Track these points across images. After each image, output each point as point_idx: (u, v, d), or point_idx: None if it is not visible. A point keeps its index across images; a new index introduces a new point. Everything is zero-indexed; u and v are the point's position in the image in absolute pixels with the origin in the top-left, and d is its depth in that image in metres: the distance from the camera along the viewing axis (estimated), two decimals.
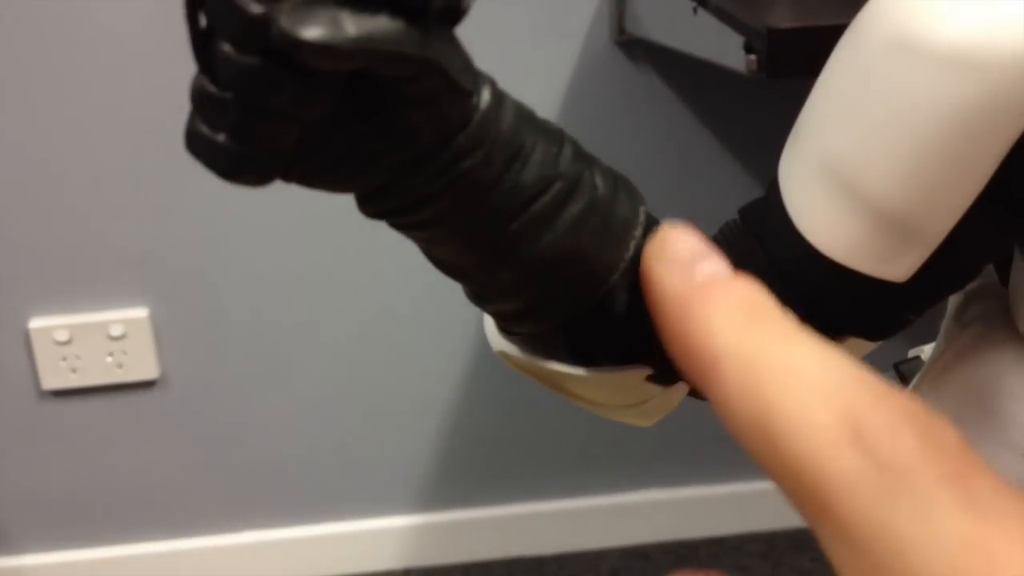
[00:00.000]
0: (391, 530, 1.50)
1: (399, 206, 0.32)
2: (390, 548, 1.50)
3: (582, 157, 0.34)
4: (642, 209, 0.35)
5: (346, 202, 1.05)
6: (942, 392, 0.44)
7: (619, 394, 0.38)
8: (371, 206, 0.32)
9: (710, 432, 1.56)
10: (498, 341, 0.38)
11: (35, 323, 1.31)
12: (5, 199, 1.25)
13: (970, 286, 0.49)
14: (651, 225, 0.36)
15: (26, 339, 1.32)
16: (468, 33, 1.39)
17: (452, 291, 1.44)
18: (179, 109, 1.35)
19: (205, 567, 1.47)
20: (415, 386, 1.42)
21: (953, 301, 0.47)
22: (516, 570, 1.52)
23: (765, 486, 1.57)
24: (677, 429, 1.52)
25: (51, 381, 1.35)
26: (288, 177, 0.31)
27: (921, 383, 0.45)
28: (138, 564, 1.46)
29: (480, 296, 0.35)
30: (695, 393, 0.39)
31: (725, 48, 0.87)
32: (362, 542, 1.50)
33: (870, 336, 0.39)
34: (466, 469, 1.49)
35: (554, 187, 0.33)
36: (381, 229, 0.45)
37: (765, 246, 0.38)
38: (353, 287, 1.35)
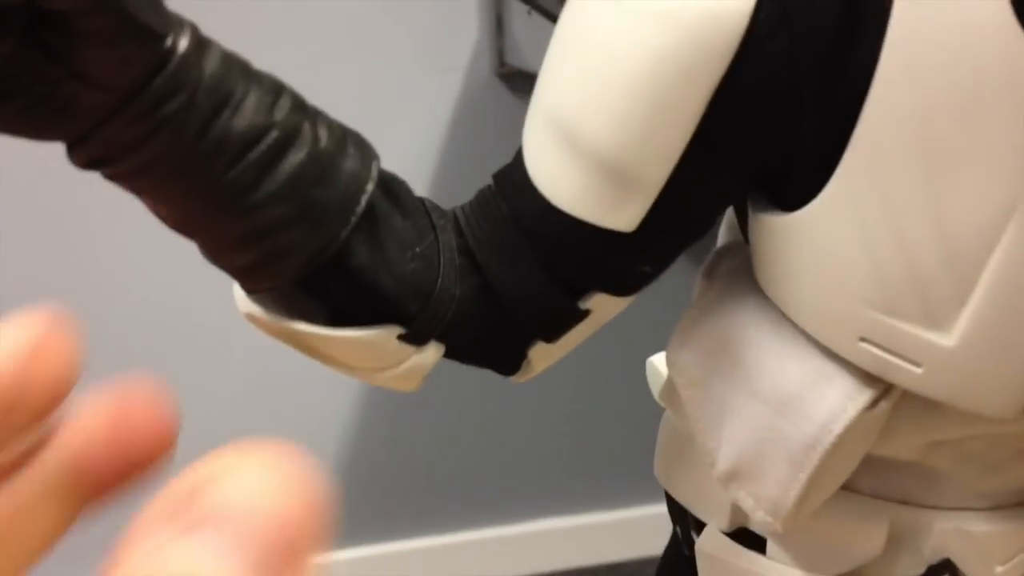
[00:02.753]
0: None
1: (107, 154, 0.31)
2: None
3: (303, 109, 0.34)
4: (375, 164, 0.36)
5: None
6: (691, 346, 0.45)
7: (372, 355, 0.38)
8: (81, 153, 0.32)
9: (602, 460, 1.56)
10: (244, 303, 0.38)
11: None
12: None
13: (720, 244, 0.50)
14: (386, 181, 0.37)
15: None
16: (353, 69, 1.39)
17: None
18: None
19: None
20: (308, 427, 1.41)
21: (706, 259, 0.49)
22: None
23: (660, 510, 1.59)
24: (570, 460, 1.53)
25: None
26: None
27: (673, 339, 0.46)
28: None
29: (213, 252, 0.35)
30: (451, 353, 0.40)
31: None
32: None
33: (614, 291, 0.40)
34: (353, 506, 1.48)
35: (269, 136, 0.32)
36: None
37: (510, 204, 0.39)
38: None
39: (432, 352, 0.39)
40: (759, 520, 0.44)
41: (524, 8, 1.25)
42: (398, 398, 1.37)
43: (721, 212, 0.44)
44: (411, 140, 1.37)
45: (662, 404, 0.53)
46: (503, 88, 1.36)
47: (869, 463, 0.45)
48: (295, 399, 1.40)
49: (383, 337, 0.37)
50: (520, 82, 1.34)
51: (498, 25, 1.33)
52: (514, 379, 0.43)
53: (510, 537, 1.56)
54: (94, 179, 0.33)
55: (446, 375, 1.35)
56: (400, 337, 0.37)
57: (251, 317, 0.37)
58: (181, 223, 0.34)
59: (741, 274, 0.45)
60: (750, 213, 0.42)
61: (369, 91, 1.34)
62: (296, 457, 0.29)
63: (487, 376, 0.43)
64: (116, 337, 1.30)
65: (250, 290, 0.36)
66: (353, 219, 0.35)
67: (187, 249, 0.37)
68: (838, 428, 0.40)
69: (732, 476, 0.44)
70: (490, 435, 1.49)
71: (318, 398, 1.40)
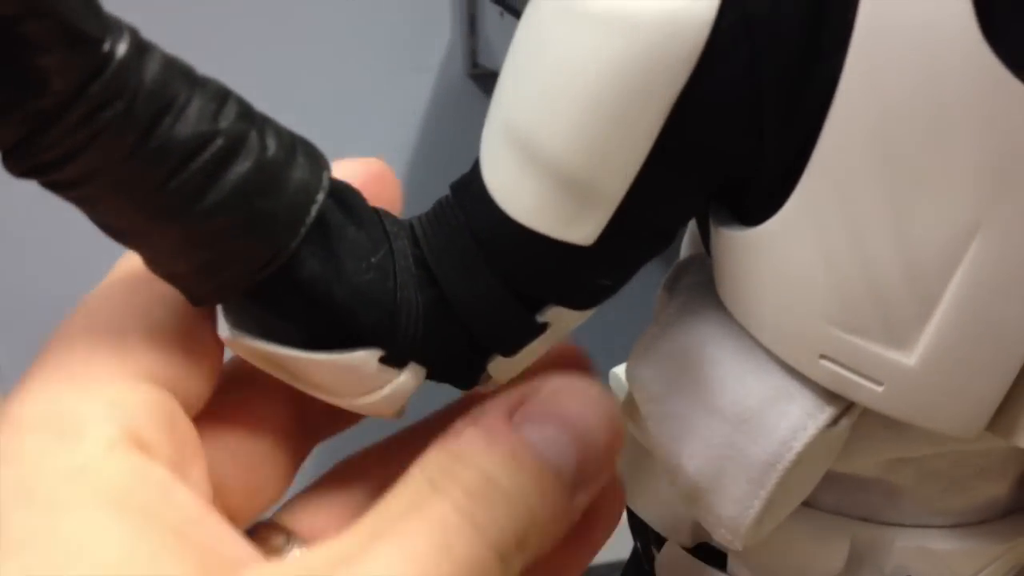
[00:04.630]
0: None
1: (43, 163, 0.30)
2: None
3: (249, 117, 0.33)
4: (325, 173, 0.34)
5: None
6: (651, 362, 0.44)
7: (353, 379, 0.37)
8: (16, 163, 0.31)
9: None
10: (225, 329, 0.36)
11: None
12: None
13: (682, 257, 0.48)
14: (339, 191, 0.35)
15: None
16: (325, 69, 1.39)
17: None
18: None
19: None
20: None
21: (667, 273, 0.47)
22: None
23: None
24: None
25: None
26: None
27: (632, 355, 0.44)
28: None
29: (155, 263, 0.34)
30: (433, 375, 0.39)
31: None
32: None
33: (572, 304, 0.39)
34: None
35: (214, 144, 0.31)
36: None
37: (467, 214, 0.37)
38: None
39: (413, 375, 0.37)
40: (719, 537, 0.43)
41: (497, 9, 1.24)
42: None
43: (681, 226, 0.43)
44: (383, 141, 1.36)
45: (623, 417, 0.52)
46: (475, 89, 1.36)
47: (831, 480, 0.45)
48: None
49: (364, 360, 0.35)
50: (492, 83, 1.32)
51: (471, 26, 1.33)
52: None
53: None
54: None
55: None
56: (381, 360, 0.36)
57: (229, 343, 0.36)
58: (121, 233, 0.33)
59: (703, 288, 0.44)
60: (711, 227, 0.41)
61: (341, 91, 1.33)
62: (608, 394, 0.30)
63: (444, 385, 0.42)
64: None
65: (196, 302, 0.35)
66: (303, 230, 0.33)
67: None
68: (798, 446, 0.39)
69: (692, 493, 0.43)
70: None
71: None
